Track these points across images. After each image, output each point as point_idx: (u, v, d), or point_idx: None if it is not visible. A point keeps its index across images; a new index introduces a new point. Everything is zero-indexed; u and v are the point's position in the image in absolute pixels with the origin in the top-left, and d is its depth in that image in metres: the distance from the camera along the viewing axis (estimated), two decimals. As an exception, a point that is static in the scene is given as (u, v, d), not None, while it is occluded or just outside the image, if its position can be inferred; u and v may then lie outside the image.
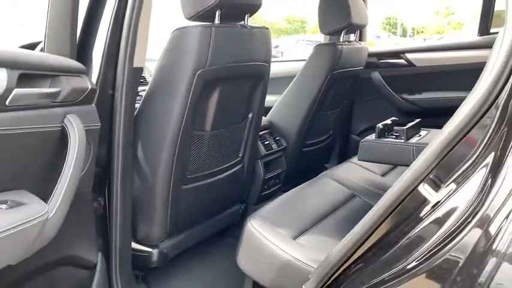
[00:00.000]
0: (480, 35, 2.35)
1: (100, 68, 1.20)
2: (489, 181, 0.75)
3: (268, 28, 1.65)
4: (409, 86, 2.39)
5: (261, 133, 1.95)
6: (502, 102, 0.78)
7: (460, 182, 0.80)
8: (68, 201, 1.00)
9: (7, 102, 0.91)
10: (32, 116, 0.97)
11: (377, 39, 16.37)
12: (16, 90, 0.91)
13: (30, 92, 0.96)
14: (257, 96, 1.69)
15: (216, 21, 1.41)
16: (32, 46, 1.35)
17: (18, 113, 0.94)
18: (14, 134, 0.93)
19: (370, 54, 2.39)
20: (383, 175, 1.86)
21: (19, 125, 0.94)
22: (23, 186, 1.00)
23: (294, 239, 1.29)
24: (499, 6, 2.32)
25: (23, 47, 1.38)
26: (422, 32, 22.18)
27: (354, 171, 1.85)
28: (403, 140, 1.53)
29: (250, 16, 1.55)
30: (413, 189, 0.85)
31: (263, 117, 1.91)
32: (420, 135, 1.61)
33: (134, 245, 1.49)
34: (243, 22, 1.54)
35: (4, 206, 0.89)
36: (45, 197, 0.99)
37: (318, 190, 1.67)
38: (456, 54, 2.29)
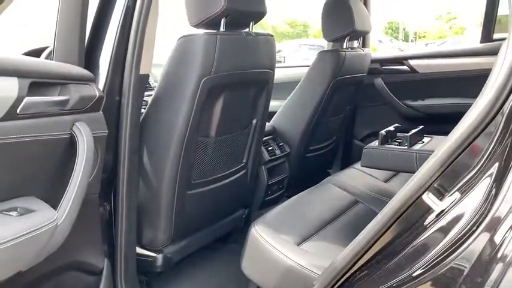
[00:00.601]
0: (482, 42, 2.36)
1: (107, 75, 1.22)
2: (493, 191, 0.75)
3: (272, 35, 1.66)
4: (412, 92, 2.39)
5: (264, 139, 1.96)
6: (508, 109, 0.78)
7: (464, 191, 0.81)
8: (77, 208, 1.01)
9: (18, 111, 0.92)
10: (41, 123, 0.98)
11: (379, 44, 16.38)
12: (27, 99, 0.93)
13: (40, 100, 0.97)
14: (261, 103, 1.70)
15: (221, 28, 1.42)
16: (36, 52, 1.35)
17: (28, 121, 0.95)
18: (24, 141, 0.94)
19: (373, 61, 2.40)
20: (386, 181, 1.87)
21: (29, 132, 0.95)
22: (32, 192, 1.01)
23: (298, 245, 1.30)
24: (502, 11, 2.32)
25: (27, 53, 1.38)
26: (424, 36, 22.18)
27: (356, 178, 1.85)
28: (406, 147, 1.54)
29: (255, 23, 1.57)
30: (417, 198, 0.86)
31: (266, 122, 1.92)
32: (423, 142, 1.62)
33: (139, 250, 1.49)
34: (247, 29, 1.56)
35: (15, 213, 0.90)
36: (54, 203, 1.00)
37: (321, 196, 1.68)
38: (459, 61, 2.29)
